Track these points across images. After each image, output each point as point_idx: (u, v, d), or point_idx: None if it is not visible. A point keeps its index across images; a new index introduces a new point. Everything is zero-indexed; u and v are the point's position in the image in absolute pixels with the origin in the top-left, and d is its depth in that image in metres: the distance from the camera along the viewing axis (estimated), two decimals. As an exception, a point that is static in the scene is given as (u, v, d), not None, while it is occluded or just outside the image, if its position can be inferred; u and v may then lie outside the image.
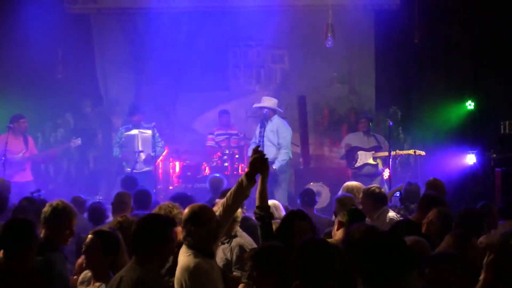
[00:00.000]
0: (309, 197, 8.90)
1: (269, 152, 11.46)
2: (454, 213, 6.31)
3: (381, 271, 3.73)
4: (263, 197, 5.60)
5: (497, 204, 9.64)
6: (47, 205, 5.64)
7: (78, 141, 13.00)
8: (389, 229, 6.80)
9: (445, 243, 5.32)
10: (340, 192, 7.83)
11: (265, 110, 12.09)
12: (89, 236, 5.29)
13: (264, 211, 5.54)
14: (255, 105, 12.54)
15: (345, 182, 10.86)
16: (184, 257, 5.14)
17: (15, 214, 6.90)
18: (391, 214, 7.50)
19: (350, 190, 7.86)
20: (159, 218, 5.20)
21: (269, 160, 10.50)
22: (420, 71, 13.99)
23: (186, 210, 5.40)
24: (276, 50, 14.79)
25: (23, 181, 11.68)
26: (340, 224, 5.68)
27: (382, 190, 8.02)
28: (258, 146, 5.80)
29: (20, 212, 6.93)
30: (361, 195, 7.76)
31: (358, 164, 12.40)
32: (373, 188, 7.92)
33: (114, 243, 5.15)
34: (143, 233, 4.85)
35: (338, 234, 5.62)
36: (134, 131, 12.37)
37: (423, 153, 12.34)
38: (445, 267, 4.27)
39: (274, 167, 11.73)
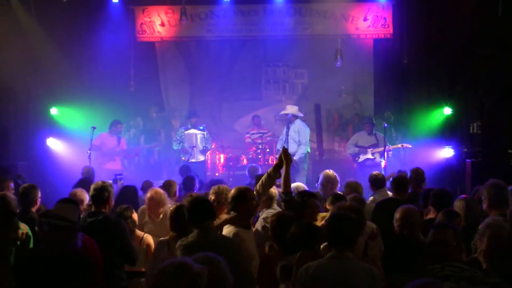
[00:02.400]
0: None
1: (292, 147, 12.27)
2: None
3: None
4: (287, 184, 6.00)
5: (467, 187, 11.05)
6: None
7: (158, 144, 14.06)
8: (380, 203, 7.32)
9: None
10: (320, 177, 7.88)
11: (289, 115, 12.65)
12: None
13: (288, 195, 6.01)
14: (282, 112, 13.09)
15: (350, 171, 12.49)
16: (226, 227, 5.43)
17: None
18: (390, 193, 7.86)
19: (326, 176, 7.83)
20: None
21: (291, 153, 11.27)
22: (408, 85, 14.44)
23: (234, 190, 5.61)
24: (298, 69, 15.48)
25: (113, 168, 12.16)
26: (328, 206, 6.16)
27: (381, 175, 8.61)
28: (285, 148, 6.15)
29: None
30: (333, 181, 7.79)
31: (360, 160, 12.93)
32: (375, 174, 8.53)
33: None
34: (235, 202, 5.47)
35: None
36: (192, 131, 13.01)
37: (409, 145, 12.79)
38: (447, 231, 4.20)
39: (294, 158, 12.09)
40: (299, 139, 12.64)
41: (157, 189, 7.19)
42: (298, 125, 12.73)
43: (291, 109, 12.90)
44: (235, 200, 5.44)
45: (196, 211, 4.93)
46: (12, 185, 7.70)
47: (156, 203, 6.93)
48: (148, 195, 7.00)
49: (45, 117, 13.89)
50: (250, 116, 14.79)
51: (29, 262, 4.42)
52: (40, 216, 5.57)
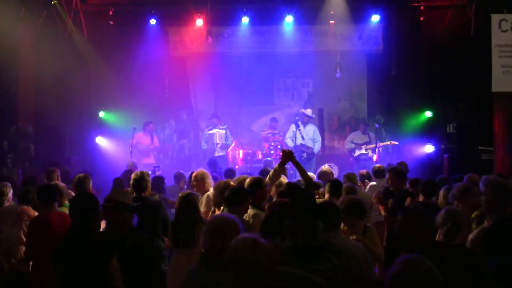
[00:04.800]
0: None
1: (309, 142, 12.98)
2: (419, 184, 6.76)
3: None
4: (304, 176, 6.01)
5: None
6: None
7: (185, 141, 14.58)
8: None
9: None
10: (322, 168, 8.32)
11: (311, 116, 13.29)
12: None
13: (308, 183, 6.00)
14: (304, 111, 13.32)
15: (347, 164, 13.18)
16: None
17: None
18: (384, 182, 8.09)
19: (321, 171, 8.21)
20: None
21: (309, 147, 12.45)
22: (396, 92, 14.90)
23: (249, 179, 5.84)
24: (304, 79, 15.98)
25: (148, 163, 12.42)
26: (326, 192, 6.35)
27: (383, 167, 8.87)
28: (289, 151, 6.22)
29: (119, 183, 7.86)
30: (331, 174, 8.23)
31: (355, 154, 13.42)
32: (378, 166, 9.01)
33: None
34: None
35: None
36: (214, 130, 13.46)
37: (396, 142, 13.32)
38: (412, 215, 3.89)
39: (314, 151, 12.94)
40: (314, 137, 13.19)
41: (200, 169, 7.49)
42: (312, 125, 13.35)
43: (310, 111, 13.56)
44: (252, 187, 5.60)
45: (227, 197, 5.17)
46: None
47: (200, 178, 7.14)
48: (194, 174, 7.30)
49: (94, 119, 14.53)
50: (265, 118, 15.28)
51: (102, 243, 4.36)
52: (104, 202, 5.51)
